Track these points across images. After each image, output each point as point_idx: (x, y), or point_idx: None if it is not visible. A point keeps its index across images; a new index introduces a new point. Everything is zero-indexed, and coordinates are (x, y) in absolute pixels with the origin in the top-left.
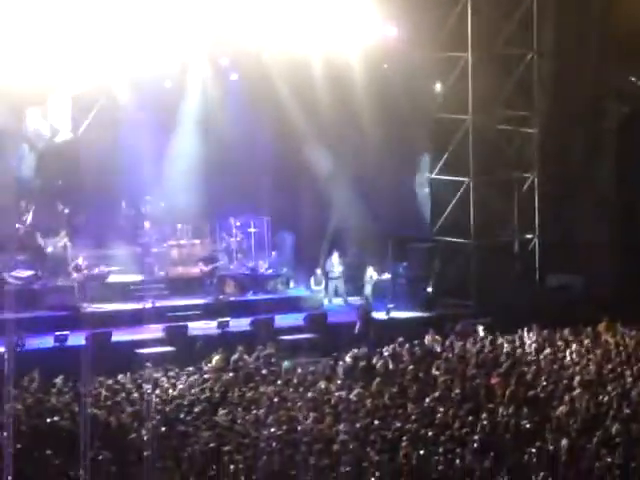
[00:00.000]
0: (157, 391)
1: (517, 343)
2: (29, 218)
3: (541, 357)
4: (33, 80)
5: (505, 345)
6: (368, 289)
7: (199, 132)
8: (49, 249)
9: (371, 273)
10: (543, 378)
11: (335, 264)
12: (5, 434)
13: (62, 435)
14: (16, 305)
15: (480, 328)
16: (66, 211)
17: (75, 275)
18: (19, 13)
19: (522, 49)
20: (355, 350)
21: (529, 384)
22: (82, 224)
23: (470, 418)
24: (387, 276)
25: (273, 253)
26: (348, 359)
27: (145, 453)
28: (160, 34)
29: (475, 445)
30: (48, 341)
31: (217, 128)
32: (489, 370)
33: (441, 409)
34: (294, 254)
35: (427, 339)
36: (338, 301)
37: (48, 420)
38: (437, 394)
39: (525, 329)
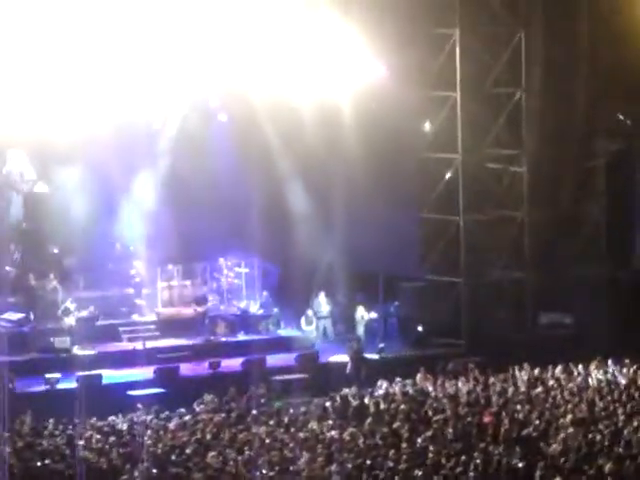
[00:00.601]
0: (148, 433)
1: (509, 381)
2: (19, 261)
3: (533, 395)
4: (15, 123)
5: (497, 384)
6: (360, 329)
7: (187, 173)
8: (39, 292)
9: (362, 312)
10: (535, 416)
11: (322, 304)
12: None
13: (54, 478)
14: (7, 348)
15: (471, 367)
16: (56, 251)
17: (66, 318)
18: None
19: (510, 87)
20: (347, 390)
21: (521, 422)
22: (72, 266)
23: (463, 457)
24: (374, 315)
25: (264, 293)
26: (340, 399)
27: None
28: (148, 73)
29: None
30: (39, 384)
31: (205, 168)
32: (481, 409)
33: (433, 449)
34: (283, 294)
35: (418, 378)
36: (328, 340)
37: (39, 463)
38: (429, 433)
39: (517, 367)
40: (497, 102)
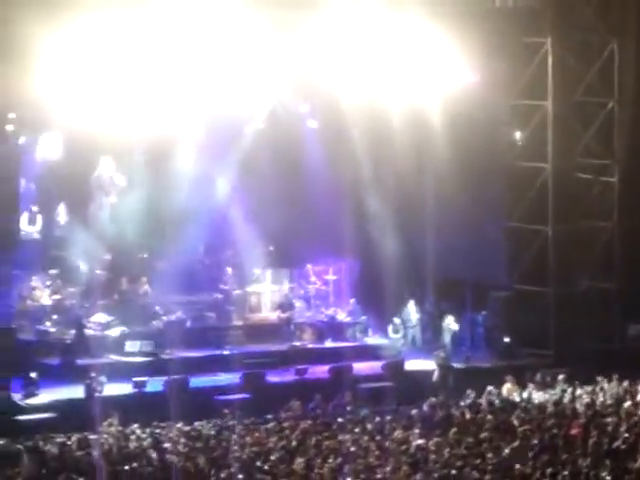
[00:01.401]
0: (234, 438)
1: (597, 393)
2: (109, 264)
3: (621, 409)
4: (107, 128)
5: (584, 396)
6: (447, 338)
7: (277, 178)
8: (130, 295)
9: (449, 322)
10: (623, 430)
11: (412, 312)
12: None
13: None
14: (96, 351)
15: (560, 378)
16: (145, 256)
17: (154, 322)
18: (99, 63)
19: (602, 97)
20: (433, 399)
21: (610, 435)
22: (162, 270)
23: (549, 469)
24: (455, 326)
25: (351, 300)
26: (426, 408)
27: None
28: (241, 79)
29: None
30: (127, 387)
31: (295, 174)
32: (568, 420)
33: (520, 460)
34: (371, 301)
35: (505, 388)
36: (416, 349)
37: (126, 467)
38: (516, 444)
39: (605, 379)
40: (588, 111)
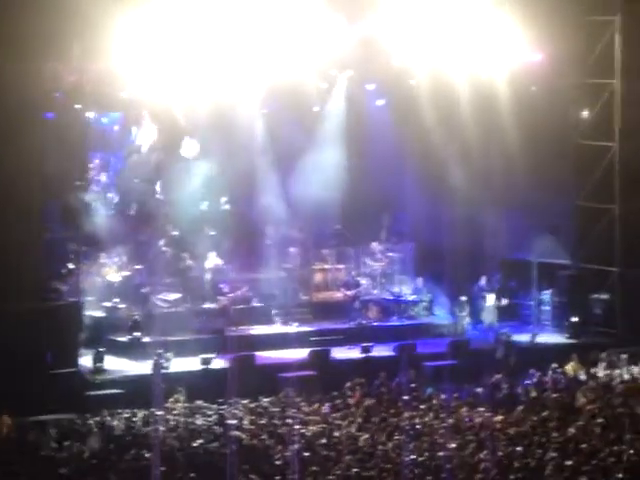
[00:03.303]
0: (299, 415)
1: None
2: (175, 241)
3: None
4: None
5: None
6: (489, 316)
7: (343, 156)
8: (195, 273)
9: (491, 300)
10: None
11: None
12: (151, 456)
13: (207, 457)
14: (163, 328)
15: (623, 357)
16: (213, 233)
17: (220, 298)
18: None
19: None
20: (497, 376)
21: None
22: (228, 248)
23: (615, 447)
24: (505, 302)
25: (419, 279)
26: (490, 386)
27: (289, 477)
28: (308, 58)
29: (620, 475)
30: (194, 363)
31: (361, 152)
32: (634, 400)
33: (585, 438)
34: (437, 279)
35: (570, 367)
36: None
37: (193, 443)
38: (581, 423)
39: None
40: None
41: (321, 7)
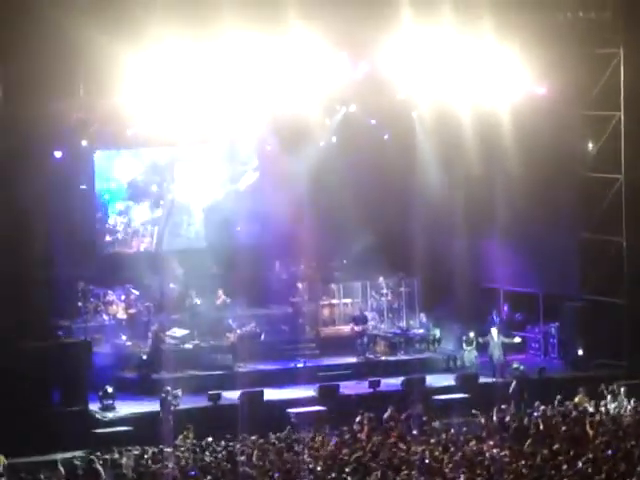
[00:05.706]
0: (308, 450)
1: None
2: (182, 278)
3: None
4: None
5: None
6: (496, 352)
7: (347, 192)
8: (202, 309)
9: (495, 334)
10: None
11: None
12: None
13: None
14: (171, 364)
15: (622, 390)
16: (215, 271)
17: (228, 335)
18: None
19: None
20: (506, 410)
21: None
22: (235, 284)
23: None
24: (518, 340)
25: (422, 314)
26: (499, 420)
27: None
28: (309, 95)
29: None
30: (202, 400)
31: (366, 189)
32: None
33: (595, 470)
34: (444, 314)
35: (578, 399)
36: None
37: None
38: (591, 455)
39: None
40: None
41: (325, 47)
